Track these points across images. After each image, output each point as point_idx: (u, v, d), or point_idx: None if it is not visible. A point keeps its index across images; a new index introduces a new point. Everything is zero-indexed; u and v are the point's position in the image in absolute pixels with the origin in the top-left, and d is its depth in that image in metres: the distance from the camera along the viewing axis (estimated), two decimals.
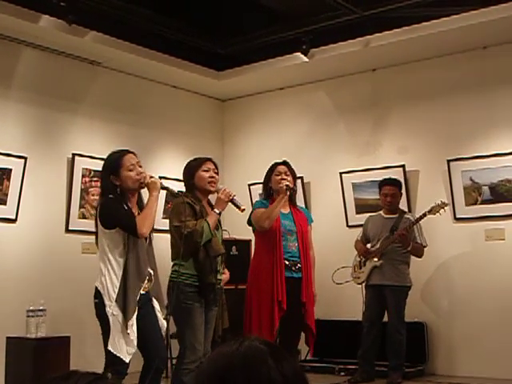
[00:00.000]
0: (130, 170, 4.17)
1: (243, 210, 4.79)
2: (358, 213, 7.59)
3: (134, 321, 4.06)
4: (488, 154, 6.84)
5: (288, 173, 5.41)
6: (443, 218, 6.51)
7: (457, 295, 7.01)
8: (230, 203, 4.75)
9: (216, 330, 4.82)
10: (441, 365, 7.00)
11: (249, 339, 1.24)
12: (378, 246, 6.61)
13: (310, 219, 5.61)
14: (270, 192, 5.46)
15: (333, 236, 7.53)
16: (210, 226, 4.53)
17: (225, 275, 4.98)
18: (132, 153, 4.28)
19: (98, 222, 4.17)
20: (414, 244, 6.50)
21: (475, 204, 6.94)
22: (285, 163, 5.51)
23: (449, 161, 7.03)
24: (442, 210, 6.35)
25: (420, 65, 7.39)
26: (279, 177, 5.37)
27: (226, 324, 6.42)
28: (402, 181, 7.03)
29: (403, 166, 7.31)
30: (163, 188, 4.36)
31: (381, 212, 6.80)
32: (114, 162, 4.20)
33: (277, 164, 5.52)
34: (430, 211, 6.37)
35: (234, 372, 1.18)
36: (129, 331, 4.03)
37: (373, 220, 6.80)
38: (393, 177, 6.90)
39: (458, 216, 7.00)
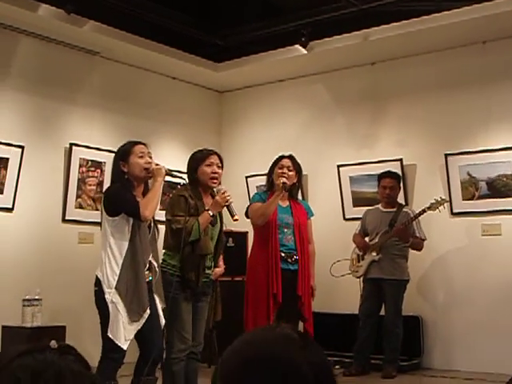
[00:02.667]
0: (140, 158, 4.24)
1: (235, 220, 4.63)
2: (354, 206, 7.59)
3: (148, 310, 4.12)
4: (486, 148, 6.84)
5: (291, 167, 5.32)
6: (440, 212, 6.51)
7: (453, 289, 7.02)
8: (225, 208, 4.68)
9: (207, 323, 4.80)
10: (436, 358, 7.01)
11: (282, 327, 1.23)
12: (376, 240, 6.62)
13: (310, 213, 5.56)
14: (272, 184, 5.40)
15: (330, 229, 7.52)
16: (199, 227, 4.48)
17: (218, 269, 4.94)
18: (144, 144, 4.36)
19: (103, 210, 4.20)
20: (414, 239, 6.51)
21: (472, 199, 6.94)
22: (290, 157, 5.41)
23: (446, 155, 7.03)
24: (442, 206, 6.38)
25: (419, 59, 7.38)
26: (280, 171, 5.31)
27: (218, 316, 6.40)
28: (400, 174, 7.03)
29: (401, 160, 7.31)
30: (168, 174, 4.38)
31: (379, 205, 6.81)
32: (126, 150, 4.30)
33: (281, 157, 5.42)
34: (430, 207, 6.39)
35: (264, 364, 1.16)
36: (142, 321, 4.08)
37: (371, 213, 6.81)
38: (392, 170, 6.92)
39: (454, 211, 7.00)
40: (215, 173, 4.65)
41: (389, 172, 6.82)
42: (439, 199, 6.42)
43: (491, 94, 6.94)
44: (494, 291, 6.74)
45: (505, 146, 6.74)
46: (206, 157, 4.69)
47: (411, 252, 6.65)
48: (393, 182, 6.72)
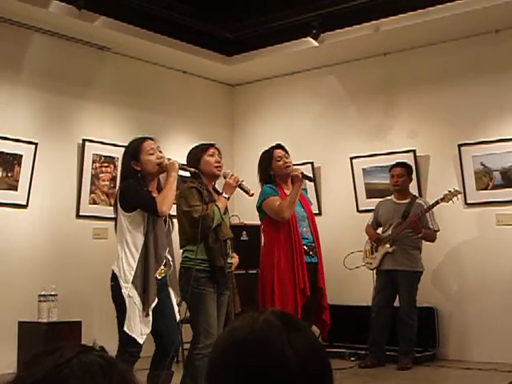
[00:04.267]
0: (151, 154, 4.26)
1: (252, 195, 4.75)
2: (368, 198, 7.58)
3: (154, 304, 4.13)
4: (499, 138, 6.80)
5: (287, 155, 5.32)
6: (454, 203, 6.49)
7: (467, 280, 7.00)
8: (238, 188, 4.75)
9: (229, 316, 4.81)
10: (451, 350, 7.00)
11: (264, 313, 1.26)
12: (389, 231, 6.61)
13: (310, 202, 5.63)
14: (270, 178, 5.31)
15: (343, 221, 7.51)
16: (220, 211, 4.55)
17: (234, 259, 4.97)
18: (152, 139, 4.37)
19: (119, 206, 4.22)
20: (427, 230, 6.50)
21: (486, 189, 6.91)
22: (281, 146, 5.39)
23: (460, 145, 7.00)
24: (455, 197, 6.36)
25: (432, 49, 7.34)
26: (281, 162, 5.27)
27: (238, 308, 6.43)
28: (413, 166, 7.01)
29: (414, 151, 7.29)
30: (181, 168, 4.41)
31: (392, 197, 6.80)
32: (135, 148, 4.30)
33: (273, 148, 5.38)
34: (443, 199, 6.37)
35: (247, 348, 1.22)
36: (149, 313, 4.10)
37: (384, 205, 6.80)
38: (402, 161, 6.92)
39: (468, 201, 6.97)
40: (218, 162, 4.72)
41: (398, 162, 6.84)
42: (452, 190, 6.40)
43: (505, 83, 6.90)
44: (508, 280, 6.70)
45: None
46: (206, 148, 4.77)
47: (425, 243, 6.63)
48: (401, 171, 6.71)
